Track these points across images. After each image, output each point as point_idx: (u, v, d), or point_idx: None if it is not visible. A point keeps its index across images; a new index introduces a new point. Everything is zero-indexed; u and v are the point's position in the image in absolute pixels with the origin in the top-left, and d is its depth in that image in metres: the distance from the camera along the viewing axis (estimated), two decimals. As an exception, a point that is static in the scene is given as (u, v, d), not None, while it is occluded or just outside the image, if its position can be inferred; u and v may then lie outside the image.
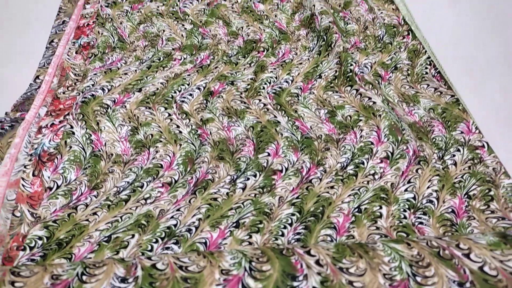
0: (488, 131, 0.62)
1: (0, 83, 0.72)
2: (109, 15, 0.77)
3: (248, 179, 0.54)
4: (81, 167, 0.55)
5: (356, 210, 0.51)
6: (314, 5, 0.76)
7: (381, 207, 0.51)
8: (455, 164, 0.57)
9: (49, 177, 0.54)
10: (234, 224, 0.48)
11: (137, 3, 0.80)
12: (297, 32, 0.77)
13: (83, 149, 0.57)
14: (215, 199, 0.51)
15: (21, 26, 0.79)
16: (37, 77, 0.71)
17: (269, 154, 0.57)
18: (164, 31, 0.75)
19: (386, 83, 0.68)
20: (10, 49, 0.76)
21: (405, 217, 0.50)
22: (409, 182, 0.54)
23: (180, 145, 0.59)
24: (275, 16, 0.80)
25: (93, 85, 0.65)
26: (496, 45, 0.78)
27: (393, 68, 0.70)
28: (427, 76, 0.69)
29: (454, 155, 0.58)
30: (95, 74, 0.67)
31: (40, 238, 0.47)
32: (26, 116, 0.61)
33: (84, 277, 0.36)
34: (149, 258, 0.39)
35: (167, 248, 0.45)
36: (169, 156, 0.57)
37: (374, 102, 0.62)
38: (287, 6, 0.82)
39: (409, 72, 0.70)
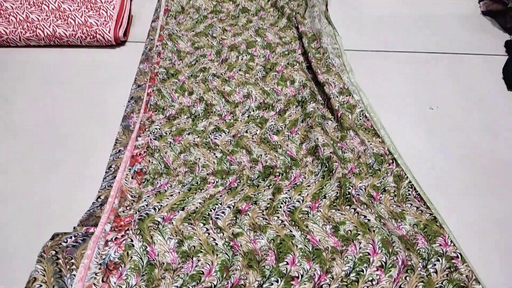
0: (462, 242, 0.78)
1: (68, 202, 0.89)
2: (156, 146, 0.98)
3: (272, 284, 0.69)
4: (140, 274, 0.70)
5: (359, 311, 0.64)
6: (317, 138, 0.97)
7: (378, 309, 0.64)
8: (436, 272, 0.71)
9: (115, 283, 0.68)
10: (264, 323, 0.61)
11: (178, 136, 1.01)
12: (305, 159, 0.96)
13: (141, 258, 0.72)
14: (247, 301, 0.65)
15: (85, 154, 0.99)
16: (99, 197, 0.88)
17: (287, 263, 0.72)
18: (200, 159, 0.95)
19: (377, 202, 0.86)
20: (75, 173, 0.95)
21: (398, 317, 0.63)
22: (400, 287, 0.68)
23: (217, 255, 0.74)
24: (287, 145, 1.00)
25: (146, 205, 0.82)
26: (466, 170, 0.97)
27: (383, 190, 0.88)
28: (410, 197, 0.87)
29: (435, 264, 0.73)
30: (148, 196, 0.85)
31: (111, 334, 0.60)
32: (95, 231, 0.77)
33: None
34: None
35: None
36: (209, 264, 0.72)
37: (369, 220, 0.79)
38: (296, 137, 1.02)
39: (396, 193, 0.87)
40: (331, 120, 1.06)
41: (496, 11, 1.50)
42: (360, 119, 1.05)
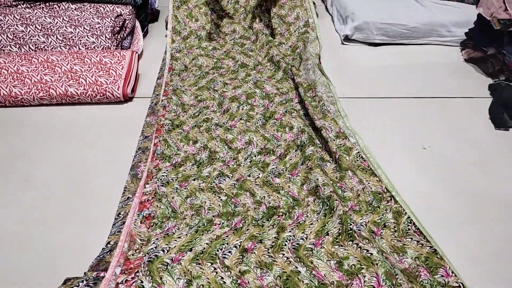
0: (462, 270, 0.80)
1: (79, 248, 0.92)
2: (164, 192, 1.02)
3: (280, 319, 0.70)
4: (150, 313, 0.71)
5: None
6: (317, 179, 1.01)
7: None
8: (440, 301, 0.73)
9: (126, 323, 0.70)
10: None
11: (184, 182, 1.05)
12: (306, 199, 1.00)
13: (151, 299, 0.74)
14: (257, 336, 0.66)
15: (95, 203, 1.03)
16: (109, 242, 0.91)
17: (294, 298, 0.74)
18: (205, 202, 0.99)
19: (379, 237, 0.88)
20: (85, 221, 0.98)
21: None
22: (406, 317, 0.69)
23: (225, 293, 0.76)
24: (289, 187, 1.05)
25: (155, 247, 0.85)
26: (461, 204, 1.01)
27: (383, 225, 0.91)
28: (410, 231, 0.90)
29: (439, 294, 0.74)
30: (157, 239, 0.88)
31: None
32: (105, 275, 0.79)
33: None
34: None
35: None
36: (217, 303, 0.74)
37: (372, 253, 0.81)
38: (297, 179, 1.07)
39: (396, 229, 0.90)
40: (330, 162, 1.11)
41: (478, 58, 1.61)
42: (357, 160, 1.10)
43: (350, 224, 0.88)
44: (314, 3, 1.78)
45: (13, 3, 1.65)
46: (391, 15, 1.74)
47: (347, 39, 1.80)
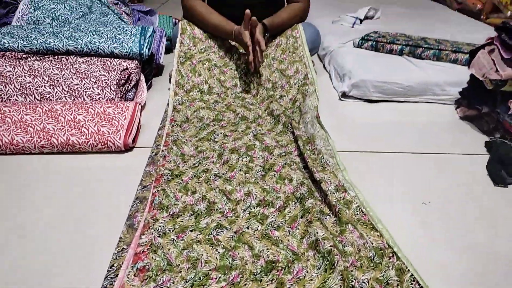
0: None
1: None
2: (160, 243, 0.99)
3: None
4: None
5: None
6: (317, 232, 0.99)
7: None
8: None
9: None
10: None
11: (181, 233, 1.03)
12: (306, 253, 0.97)
13: None
14: None
15: (88, 254, 1.00)
16: (100, 296, 0.87)
17: None
18: (202, 255, 0.96)
19: (382, 296, 0.85)
20: (78, 273, 0.95)
21: None
22: None
23: None
24: (288, 240, 1.02)
25: (149, 302, 0.81)
26: (466, 261, 0.98)
27: (386, 283, 0.88)
28: (414, 289, 0.86)
29: None
30: (150, 292, 0.84)
31: None
32: (94, 330, 0.75)
33: None
34: None
35: None
36: None
37: (375, 312, 0.78)
38: (296, 232, 1.05)
39: (399, 286, 0.87)
40: (330, 215, 1.09)
41: (472, 116, 1.65)
42: (357, 213, 1.08)
43: (352, 281, 0.85)
44: (312, 61, 1.86)
45: (23, 56, 1.72)
46: (387, 74, 1.81)
47: (344, 95, 1.85)
